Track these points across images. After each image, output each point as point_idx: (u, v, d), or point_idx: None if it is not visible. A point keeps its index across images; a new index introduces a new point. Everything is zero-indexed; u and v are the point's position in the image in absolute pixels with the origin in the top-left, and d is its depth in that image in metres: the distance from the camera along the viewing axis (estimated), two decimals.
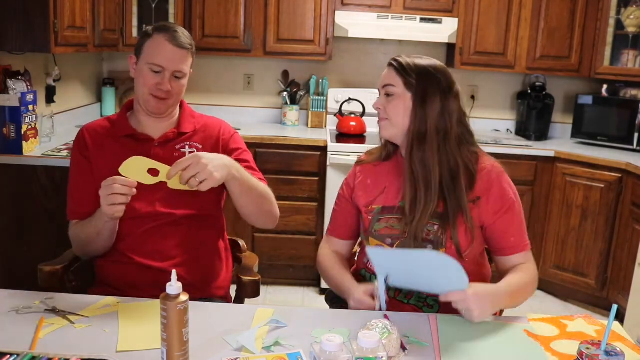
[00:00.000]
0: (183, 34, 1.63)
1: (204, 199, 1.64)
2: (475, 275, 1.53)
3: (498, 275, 1.55)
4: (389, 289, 1.50)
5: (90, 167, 1.64)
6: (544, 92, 3.66)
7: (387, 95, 1.49)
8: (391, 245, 1.48)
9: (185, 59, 1.63)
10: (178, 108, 1.75)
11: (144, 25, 3.37)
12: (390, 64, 1.52)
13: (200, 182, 1.39)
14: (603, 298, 3.24)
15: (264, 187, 1.64)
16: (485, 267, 1.60)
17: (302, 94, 3.79)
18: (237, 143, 1.75)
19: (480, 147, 1.56)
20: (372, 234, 1.51)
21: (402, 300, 1.51)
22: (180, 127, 1.70)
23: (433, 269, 1.28)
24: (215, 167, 1.41)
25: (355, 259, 1.72)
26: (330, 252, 1.65)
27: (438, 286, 1.32)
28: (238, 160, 1.66)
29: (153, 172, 1.42)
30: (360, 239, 1.67)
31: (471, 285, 1.30)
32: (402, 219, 1.48)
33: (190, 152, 1.66)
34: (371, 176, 1.59)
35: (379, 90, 1.54)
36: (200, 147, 1.69)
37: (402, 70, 1.48)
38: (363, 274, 1.59)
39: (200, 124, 1.74)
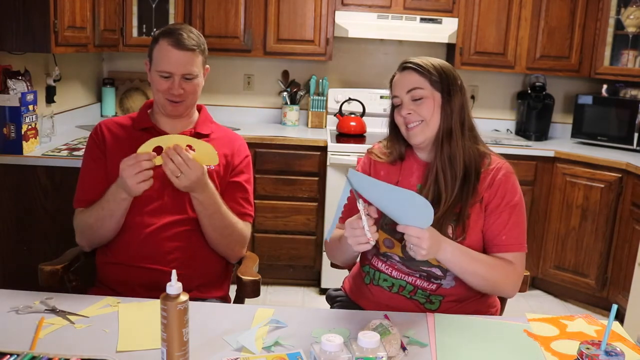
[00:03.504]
0: (189, 35, 1.62)
1: None
2: None
3: None
4: (391, 286, 1.52)
5: (103, 160, 1.65)
6: (544, 92, 3.66)
7: (415, 99, 1.48)
8: (399, 241, 1.48)
9: (192, 60, 1.63)
10: (197, 111, 1.77)
11: (144, 26, 3.38)
12: (406, 68, 1.50)
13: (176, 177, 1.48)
14: (603, 298, 3.24)
15: (235, 222, 1.65)
16: None
17: (302, 94, 3.79)
18: (246, 167, 1.76)
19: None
20: (382, 226, 1.51)
21: (405, 295, 1.52)
22: (197, 128, 1.72)
23: (402, 202, 1.28)
24: (188, 176, 1.47)
25: (358, 259, 1.71)
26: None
27: (402, 218, 1.31)
28: (236, 183, 1.69)
29: (158, 150, 1.48)
30: None
31: (430, 229, 1.30)
32: None
33: None
34: (384, 168, 1.61)
35: (394, 97, 1.52)
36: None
37: (423, 70, 1.48)
38: (367, 270, 1.59)
39: (220, 133, 1.76)
